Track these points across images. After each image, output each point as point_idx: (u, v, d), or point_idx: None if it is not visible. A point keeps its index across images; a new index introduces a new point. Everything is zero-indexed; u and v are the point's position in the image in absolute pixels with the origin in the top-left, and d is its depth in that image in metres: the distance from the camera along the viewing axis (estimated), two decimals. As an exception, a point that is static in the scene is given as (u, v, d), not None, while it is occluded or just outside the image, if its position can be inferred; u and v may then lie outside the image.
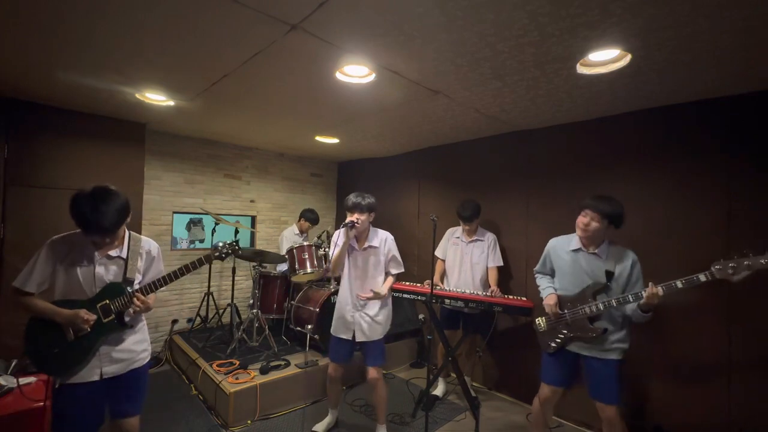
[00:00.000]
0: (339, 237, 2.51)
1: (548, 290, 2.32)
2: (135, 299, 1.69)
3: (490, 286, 3.25)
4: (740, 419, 2.29)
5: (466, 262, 3.32)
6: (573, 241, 2.25)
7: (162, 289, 1.84)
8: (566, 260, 2.25)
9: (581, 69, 2.10)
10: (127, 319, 1.75)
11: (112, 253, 1.73)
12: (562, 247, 2.30)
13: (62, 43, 2.06)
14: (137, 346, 1.81)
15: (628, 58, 1.95)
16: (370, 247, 2.55)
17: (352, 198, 2.47)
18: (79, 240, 1.68)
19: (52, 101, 3.14)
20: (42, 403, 2.08)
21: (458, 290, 3.16)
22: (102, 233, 1.61)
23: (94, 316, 1.65)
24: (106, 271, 1.71)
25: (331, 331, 2.64)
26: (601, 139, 2.94)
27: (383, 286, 2.56)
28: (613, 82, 2.26)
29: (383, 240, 2.59)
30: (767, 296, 2.24)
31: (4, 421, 1.97)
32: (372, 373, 2.60)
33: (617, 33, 1.72)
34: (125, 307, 1.70)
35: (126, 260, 1.75)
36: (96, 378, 1.68)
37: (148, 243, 1.87)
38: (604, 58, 2.00)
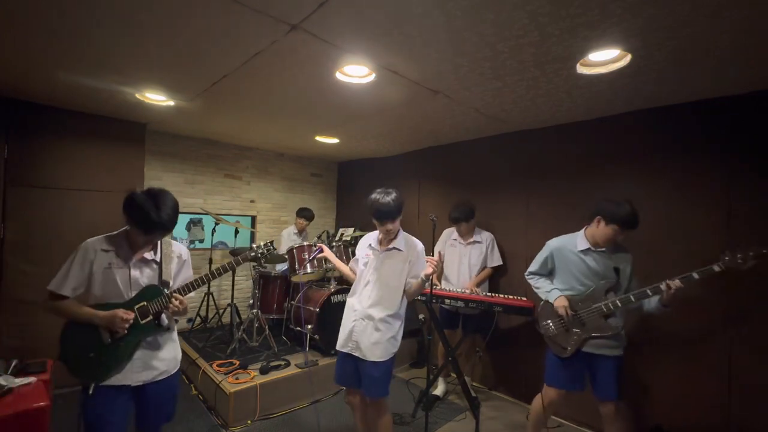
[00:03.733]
0: (362, 246, 2.28)
1: (555, 292, 2.26)
2: (173, 299, 1.66)
3: (488, 288, 3.26)
4: (740, 419, 2.29)
5: (464, 264, 3.33)
6: (579, 240, 2.23)
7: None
8: (574, 261, 2.23)
9: (581, 69, 2.10)
10: (165, 321, 1.72)
11: (147, 256, 1.70)
12: (569, 248, 2.26)
13: (62, 43, 2.06)
14: (168, 353, 1.75)
15: (628, 58, 1.95)
16: (395, 249, 2.14)
17: (379, 200, 2.06)
18: (114, 242, 1.65)
19: (52, 101, 3.14)
20: (42, 404, 2.08)
21: (457, 291, 3.16)
22: (161, 230, 1.59)
23: (133, 315, 1.60)
24: (141, 274, 1.68)
25: (337, 345, 2.23)
26: (601, 139, 2.94)
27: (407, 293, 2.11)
28: (613, 82, 2.26)
29: (412, 245, 2.15)
30: (767, 295, 2.24)
31: (4, 421, 1.97)
32: (372, 407, 2.14)
33: (617, 33, 1.72)
34: (163, 308, 1.66)
35: (160, 263, 1.73)
36: (128, 383, 1.63)
37: (178, 247, 1.84)
38: (604, 58, 2.00)
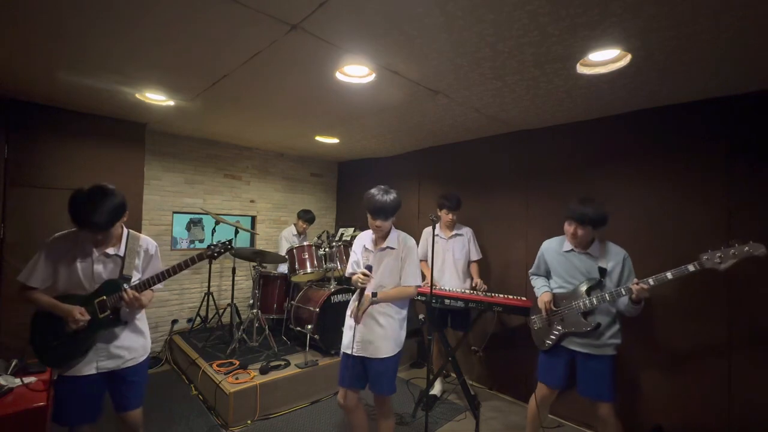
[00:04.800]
0: (358, 247, 2.29)
1: (543, 288, 2.36)
2: (125, 293, 1.73)
3: (473, 279, 3.27)
4: (740, 419, 2.29)
5: (448, 259, 3.34)
6: (565, 242, 2.31)
7: (161, 288, 1.90)
8: (560, 261, 2.31)
9: (581, 69, 2.10)
10: (123, 316, 1.81)
11: (110, 251, 1.79)
12: (555, 249, 2.36)
13: (62, 44, 2.06)
14: (134, 343, 1.86)
15: (628, 58, 1.95)
16: (388, 248, 2.18)
17: (375, 197, 2.07)
18: (80, 237, 1.74)
19: (52, 101, 3.14)
20: (42, 404, 2.08)
21: (443, 288, 3.15)
22: (94, 230, 1.66)
23: (88, 317, 1.70)
24: (104, 268, 1.77)
25: (342, 347, 2.24)
26: (601, 139, 2.94)
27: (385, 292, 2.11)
28: (613, 82, 2.26)
29: (402, 242, 2.18)
30: (767, 295, 2.24)
31: (5, 421, 1.97)
32: (378, 407, 2.21)
33: (617, 33, 1.72)
34: (120, 303, 1.75)
35: (123, 258, 1.80)
36: (92, 372, 1.74)
37: (146, 241, 1.91)
38: (604, 58, 2.00)
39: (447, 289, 3.11)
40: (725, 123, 2.40)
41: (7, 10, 1.75)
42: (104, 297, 1.74)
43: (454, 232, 3.36)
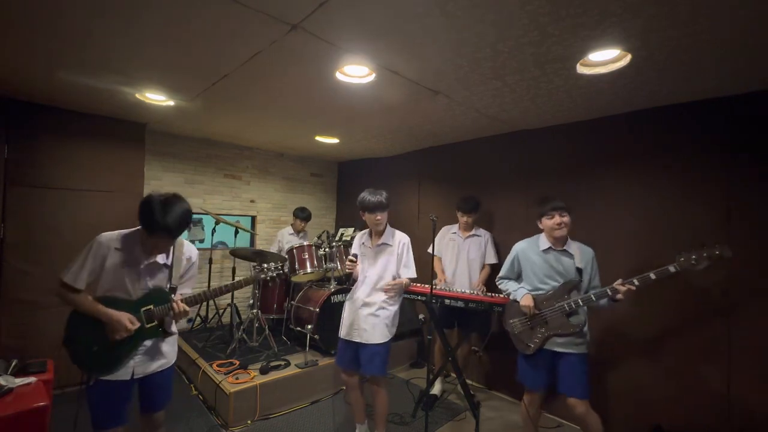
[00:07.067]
0: (357, 243, 2.56)
1: (521, 291, 2.31)
2: (174, 305, 1.71)
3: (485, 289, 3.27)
4: (740, 419, 2.29)
5: (462, 258, 3.35)
6: (541, 241, 2.31)
7: None
8: (537, 261, 2.30)
9: (581, 69, 2.10)
10: (169, 327, 1.79)
11: (159, 259, 1.75)
12: (532, 249, 2.34)
13: (62, 43, 2.06)
14: (170, 348, 1.87)
15: (628, 58, 1.95)
16: (384, 244, 2.41)
17: (369, 197, 2.34)
18: (129, 241, 1.69)
19: (52, 101, 3.14)
20: (42, 404, 2.07)
21: (455, 287, 3.15)
22: (168, 235, 1.62)
23: (138, 325, 1.65)
24: (151, 277, 1.73)
25: (339, 333, 2.49)
26: (602, 139, 2.94)
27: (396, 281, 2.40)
28: (614, 82, 2.26)
29: (399, 241, 2.43)
30: (767, 295, 2.24)
31: (5, 421, 1.96)
32: (372, 385, 2.43)
33: (617, 33, 1.73)
34: (168, 314, 1.72)
35: (171, 267, 1.78)
36: (128, 378, 1.71)
37: (189, 249, 1.90)
38: (604, 58, 2.00)
39: (456, 290, 3.10)
40: (725, 123, 2.40)
41: (7, 10, 1.75)
42: (152, 307, 1.69)
43: (471, 233, 3.38)
